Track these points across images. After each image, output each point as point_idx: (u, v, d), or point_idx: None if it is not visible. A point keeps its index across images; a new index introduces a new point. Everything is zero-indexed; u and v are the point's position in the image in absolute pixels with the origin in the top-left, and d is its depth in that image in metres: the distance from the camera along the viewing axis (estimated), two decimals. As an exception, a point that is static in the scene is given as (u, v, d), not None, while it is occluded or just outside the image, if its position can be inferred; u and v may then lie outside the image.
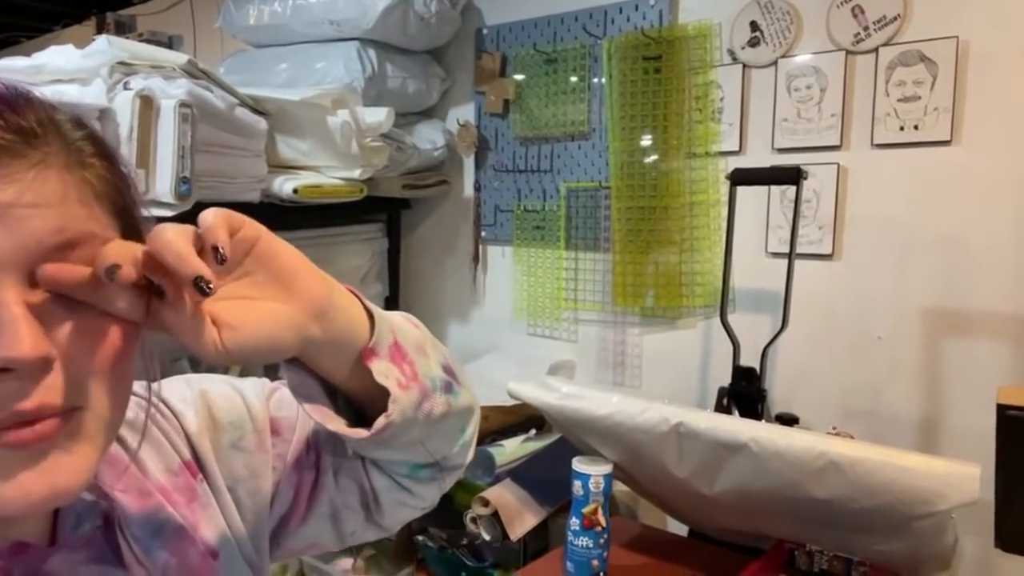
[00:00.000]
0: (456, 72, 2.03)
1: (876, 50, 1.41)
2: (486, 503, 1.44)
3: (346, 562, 1.78)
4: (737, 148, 1.57)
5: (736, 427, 1.06)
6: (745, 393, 1.28)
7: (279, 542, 0.59)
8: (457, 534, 1.58)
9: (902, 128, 1.39)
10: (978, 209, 1.33)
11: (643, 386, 1.74)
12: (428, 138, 1.96)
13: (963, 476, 0.91)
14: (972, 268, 1.35)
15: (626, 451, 1.20)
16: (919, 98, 1.37)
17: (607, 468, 1.24)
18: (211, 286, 0.36)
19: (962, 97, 1.34)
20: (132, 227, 0.42)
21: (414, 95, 1.95)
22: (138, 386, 0.51)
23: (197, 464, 0.53)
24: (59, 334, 0.36)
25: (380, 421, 0.45)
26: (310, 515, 0.57)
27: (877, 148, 1.43)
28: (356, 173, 1.70)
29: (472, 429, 0.59)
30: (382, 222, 2.09)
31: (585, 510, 1.22)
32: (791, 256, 1.29)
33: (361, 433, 0.45)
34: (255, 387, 0.59)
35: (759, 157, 1.54)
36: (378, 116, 1.70)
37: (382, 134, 1.74)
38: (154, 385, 0.52)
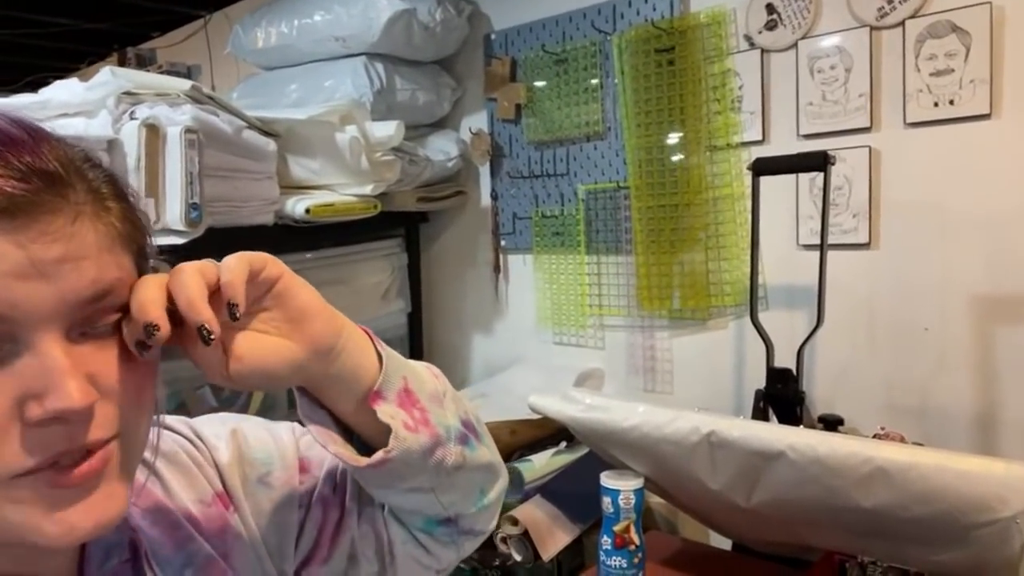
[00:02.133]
0: (467, 80, 1.99)
1: (902, 23, 1.33)
2: (515, 522, 1.38)
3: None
4: (760, 137, 1.50)
5: (772, 434, 0.99)
6: (782, 396, 1.20)
7: None
8: (489, 555, 1.53)
9: (936, 104, 1.30)
10: (1020, 182, 1.24)
11: (675, 392, 1.67)
12: (441, 149, 1.93)
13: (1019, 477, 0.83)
14: (1022, 249, 1.25)
15: (656, 464, 1.14)
16: (952, 71, 1.28)
17: (638, 483, 1.17)
18: (212, 336, 0.39)
19: (1000, 67, 1.25)
20: (145, 260, 0.43)
21: (425, 106, 1.92)
22: (174, 420, 0.56)
23: (228, 496, 0.54)
24: (95, 373, 0.38)
25: (379, 454, 0.46)
26: (332, 555, 0.58)
27: (911, 127, 1.34)
28: (368, 189, 1.67)
29: (495, 495, 0.59)
30: (400, 237, 2.06)
31: (616, 528, 1.16)
32: (823, 247, 1.21)
33: (360, 461, 0.47)
34: (287, 428, 0.61)
35: (784, 145, 1.46)
36: (388, 130, 1.67)
37: (393, 148, 1.71)
38: (190, 420, 0.57)
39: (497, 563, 1.53)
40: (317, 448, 0.59)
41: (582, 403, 1.17)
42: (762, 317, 1.45)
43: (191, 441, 0.55)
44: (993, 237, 1.27)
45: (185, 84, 1.46)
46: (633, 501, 1.15)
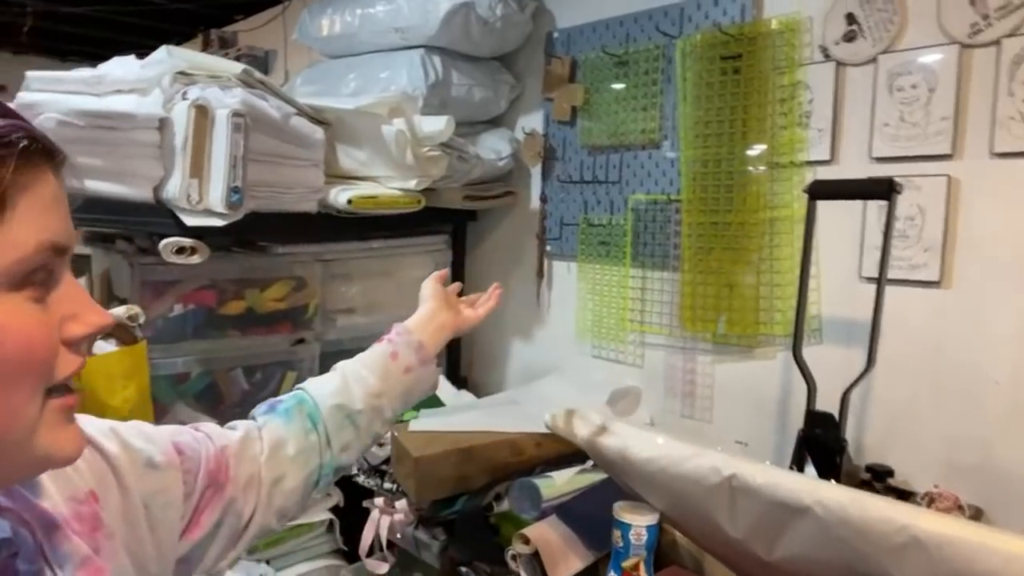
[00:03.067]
0: (526, 79, 1.94)
1: (998, 42, 1.19)
2: (527, 541, 1.33)
3: (392, 586, 1.72)
4: (828, 157, 1.38)
5: (799, 485, 0.90)
6: (821, 442, 1.10)
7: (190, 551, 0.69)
8: (503, 570, 1.48)
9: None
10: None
11: (714, 420, 1.57)
12: (493, 148, 1.88)
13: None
14: None
15: (673, 501, 1.06)
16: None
17: (652, 518, 1.10)
18: None
19: (1110, 95, 1.10)
20: None
21: (481, 103, 1.88)
22: None
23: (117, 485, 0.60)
24: None
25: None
26: (204, 521, 0.69)
27: (998, 157, 1.20)
28: (412, 184, 1.64)
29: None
30: (447, 234, 2.03)
31: (625, 564, 1.09)
32: (881, 282, 1.10)
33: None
34: (146, 424, 0.69)
35: (854, 167, 1.34)
36: (437, 125, 1.64)
37: (441, 144, 1.68)
38: None
39: (509, 580, 1.48)
40: (186, 435, 0.70)
41: (598, 427, 1.11)
42: (815, 353, 1.35)
43: None
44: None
45: (237, 67, 1.47)
46: (645, 538, 1.08)
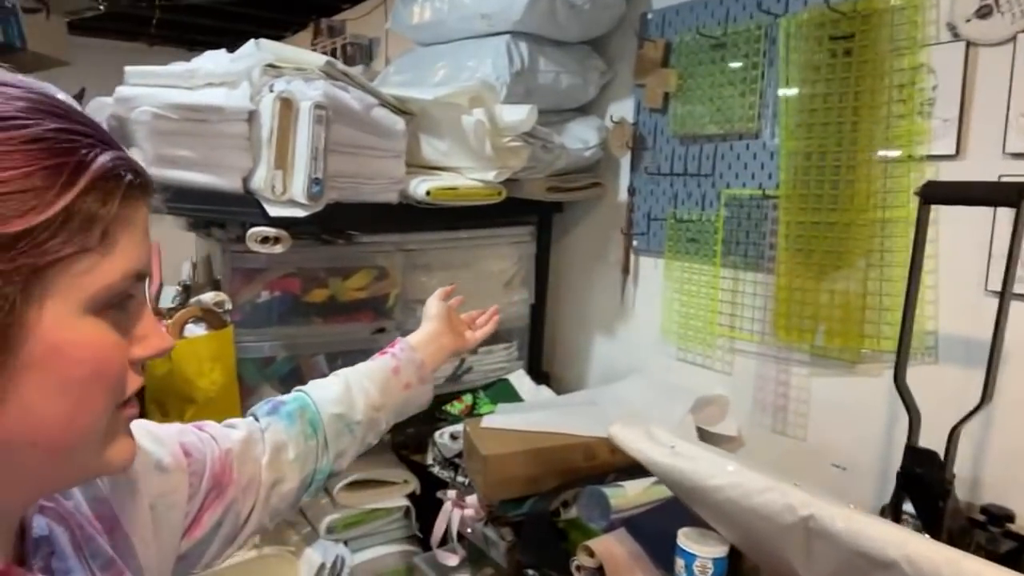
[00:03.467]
0: (618, 64, 1.84)
1: None
2: (591, 553, 1.27)
3: (464, 578, 1.72)
4: (954, 151, 1.20)
5: (886, 535, 0.79)
6: (922, 483, 0.96)
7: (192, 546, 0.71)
8: (568, 576, 1.43)
9: None
10: None
11: (808, 438, 1.44)
12: (580, 137, 1.80)
13: None
14: None
15: (744, 534, 0.97)
16: None
17: (721, 550, 1.01)
18: None
19: None
20: None
21: (568, 90, 1.80)
22: None
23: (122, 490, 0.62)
24: None
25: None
26: (207, 521, 0.71)
27: None
28: (491, 175, 1.60)
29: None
30: (532, 225, 1.98)
31: (687, 595, 1.01)
32: (1004, 298, 0.94)
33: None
34: (155, 424, 0.71)
35: (984, 163, 1.16)
36: (519, 114, 1.58)
37: (524, 133, 1.62)
38: None
39: (575, 589, 1.43)
40: (192, 435, 0.72)
41: (666, 446, 1.03)
42: (928, 374, 1.20)
43: None
44: None
45: (320, 59, 1.47)
46: (712, 571, 1.00)
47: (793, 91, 1.40)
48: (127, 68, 1.40)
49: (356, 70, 3.08)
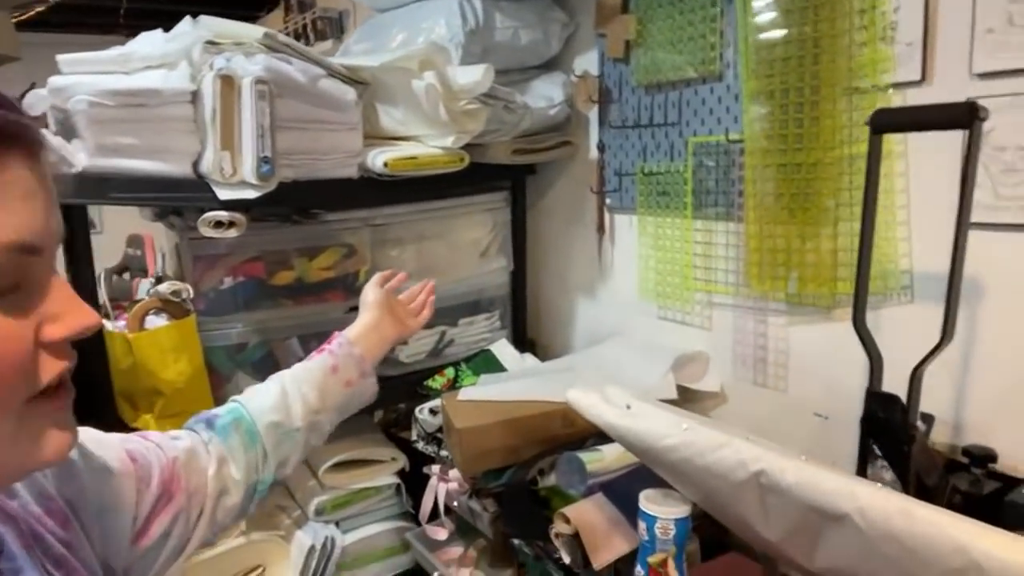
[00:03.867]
0: (580, 15, 1.76)
1: None
2: (567, 520, 1.25)
3: (456, 550, 1.71)
4: (918, 76, 1.13)
5: (837, 488, 0.74)
6: (886, 428, 0.92)
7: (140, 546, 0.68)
8: (552, 546, 1.41)
9: None
10: None
11: (789, 389, 1.39)
12: (544, 95, 1.74)
13: None
14: None
15: (704, 494, 0.93)
16: None
17: (682, 511, 0.98)
18: None
19: None
20: None
21: (529, 46, 1.73)
22: None
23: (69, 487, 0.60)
24: None
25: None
26: (154, 530, 0.69)
27: None
28: (449, 141, 1.55)
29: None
30: (506, 191, 1.93)
31: (651, 560, 0.98)
32: (960, 231, 0.87)
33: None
34: (97, 431, 0.69)
35: (952, 87, 1.09)
36: (473, 75, 1.52)
37: (482, 95, 1.56)
38: None
39: (557, 556, 1.41)
40: (136, 443, 0.71)
41: (622, 407, 0.99)
42: (904, 314, 1.15)
43: None
44: None
45: (258, 31, 1.42)
46: (673, 532, 0.96)
47: (752, 27, 1.32)
48: (59, 57, 1.36)
49: (326, 44, 3.01)
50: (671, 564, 0.96)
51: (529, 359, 1.86)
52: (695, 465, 0.88)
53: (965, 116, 0.82)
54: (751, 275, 1.38)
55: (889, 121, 0.93)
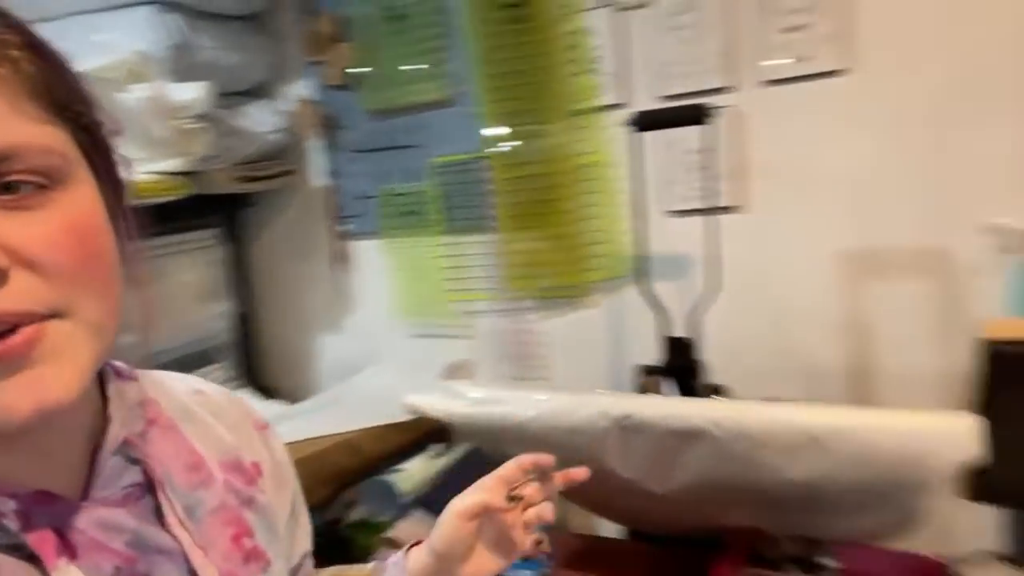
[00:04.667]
0: (288, 41, 1.72)
1: (758, -22, 1.30)
2: (394, 544, 1.18)
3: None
4: (621, 100, 1.41)
5: (692, 411, 0.89)
6: (678, 368, 1.12)
7: None
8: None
9: (794, 60, 1.29)
10: (884, 139, 1.26)
11: (554, 377, 1.55)
12: (262, 121, 1.64)
13: (957, 429, 0.79)
14: (884, 204, 1.28)
15: (560, 457, 1.00)
16: (808, 26, 1.27)
17: (537, 482, 1.03)
18: None
19: (855, 20, 1.25)
20: (79, 124, 0.39)
21: (234, 69, 1.62)
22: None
23: (262, 473, 0.53)
24: (13, 243, 0.35)
25: None
26: None
27: (768, 84, 1.32)
28: (171, 164, 1.36)
29: None
30: (220, 227, 1.74)
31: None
32: (703, 211, 1.13)
33: None
34: None
35: (647, 107, 1.38)
36: (192, 92, 1.37)
37: (200, 115, 1.41)
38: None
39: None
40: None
41: (470, 398, 1.00)
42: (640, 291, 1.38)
43: (242, 407, 0.55)
44: (856, 194, 1.29)
45: None
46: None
47: (480, 57, 1.48)
48: None
49: None
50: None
51: (275, 406, 1.70)
52: (559, 429, 0.94)
53: (698, 114, 1.09)
54: (509, 277, 1.51)
55: (648, 121, 1.15)
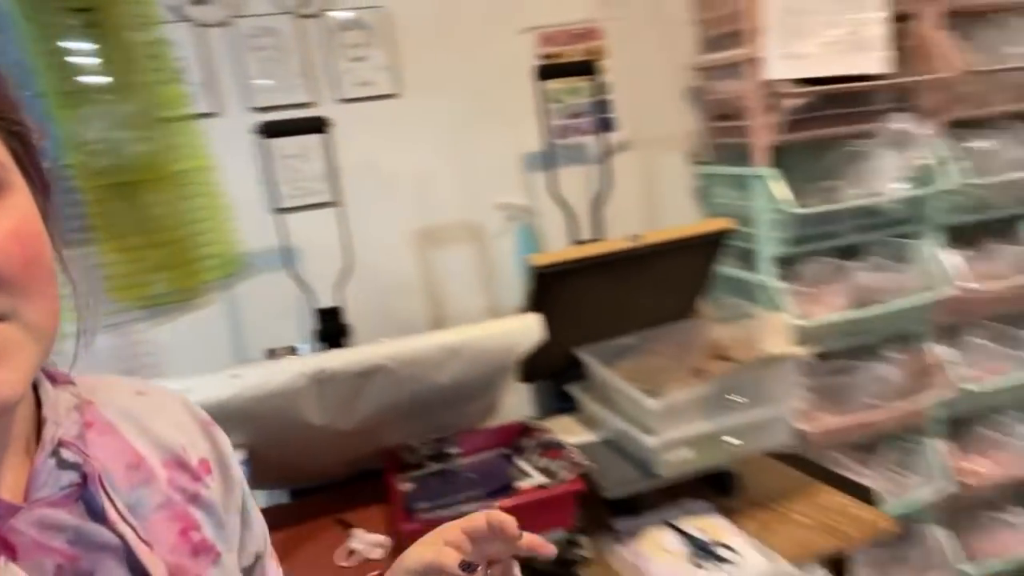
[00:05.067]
0: None
1: (321, 14, 1.59)
2: None
3: None
4: (213, 110, 1.54)
5: (371, 353, 1.16)
6: (331, 333, 1.36)
7: None
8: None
9: (361, 84, 1.63)
10: (430, 144, 1.71)
11: (168, 382, 1.58)
12: None
13: (530, 323, 1.26)
14: (437, 192, 1.73)
15: (258, 426, 1.14)
16: (367, 58, 1.63)
17: (241, 455, 1.15)
18: None
19: (400, 56, 1.65)
20: (11, 131, 0.42)
21: None
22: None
23: (215, 469, 0.55)
24: None
25: None
26: None
27: (345, 102, 1.63)
28: None
29: None
30: None
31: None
32: (309, 207, 1.39)
33: None
34: None
35: (239, 117, 1.54)
36: None
37: None
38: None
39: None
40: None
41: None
42: (266, 280, 1.56)
43: (187, 406, 0.57)
44: (417, 185, 1.71)
45: None
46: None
47: (43, 62, 1.39)
48: None
49: None
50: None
51: None
52: (261, 398, 1.10)
53: (321, 124, 1.33)
54: (116, 289, 1.48)
55: (275, 129, 1.33)
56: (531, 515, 1.17)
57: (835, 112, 1.64)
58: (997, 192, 1.72)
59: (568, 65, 1.69)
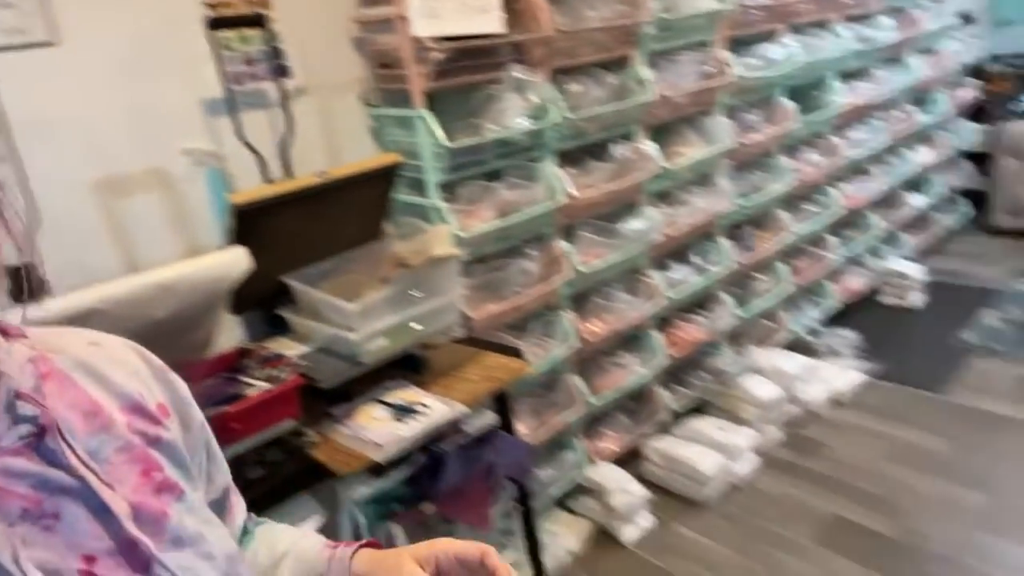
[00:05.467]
0: None
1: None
2: None
3: None
4: None
5: (81, 298, 1.24)
6: (27, 292, 1.36)
7: None
8: None
9: (10, 31, 1.55)
10: (104, 91, 1.70)
11: None
12: None
13: (237, 256, 1.44)
14: (117, 139, 1.74)
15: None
16: (13, 5, 1.55)
17: None
18: None
19: (51, 4, 1.60)
20: None
21: None
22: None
23: (172, 412, 0.58)
24: None
25: None
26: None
27: (-5, 51, 1.55)
28: None
29: None
30: None
31: None
32: None
33: None
34: None
35: None
36: None
37: None
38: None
39: None
40: None
41: None
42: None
43: (141, 354, 0.59)
44: (95, 133, 1.70)
45: None
46: None
47: None
48: None
49: None
50: None
51: None
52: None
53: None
54: None
55: None
56: (263, 413, 1.40)
57: (472, 63, 2.04)
58: (589, 123, 2.32)
59: (236, 18, 1.81)
